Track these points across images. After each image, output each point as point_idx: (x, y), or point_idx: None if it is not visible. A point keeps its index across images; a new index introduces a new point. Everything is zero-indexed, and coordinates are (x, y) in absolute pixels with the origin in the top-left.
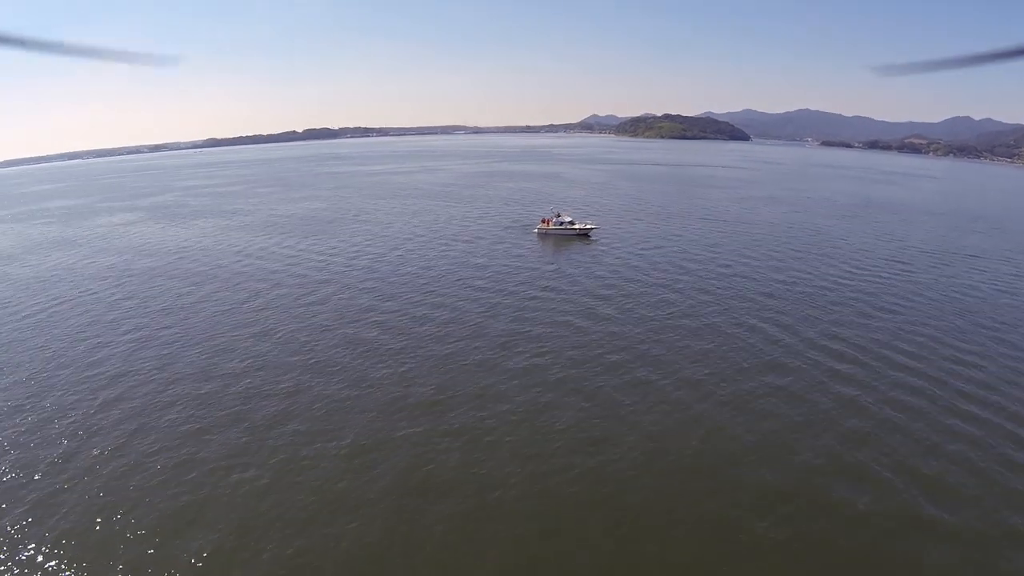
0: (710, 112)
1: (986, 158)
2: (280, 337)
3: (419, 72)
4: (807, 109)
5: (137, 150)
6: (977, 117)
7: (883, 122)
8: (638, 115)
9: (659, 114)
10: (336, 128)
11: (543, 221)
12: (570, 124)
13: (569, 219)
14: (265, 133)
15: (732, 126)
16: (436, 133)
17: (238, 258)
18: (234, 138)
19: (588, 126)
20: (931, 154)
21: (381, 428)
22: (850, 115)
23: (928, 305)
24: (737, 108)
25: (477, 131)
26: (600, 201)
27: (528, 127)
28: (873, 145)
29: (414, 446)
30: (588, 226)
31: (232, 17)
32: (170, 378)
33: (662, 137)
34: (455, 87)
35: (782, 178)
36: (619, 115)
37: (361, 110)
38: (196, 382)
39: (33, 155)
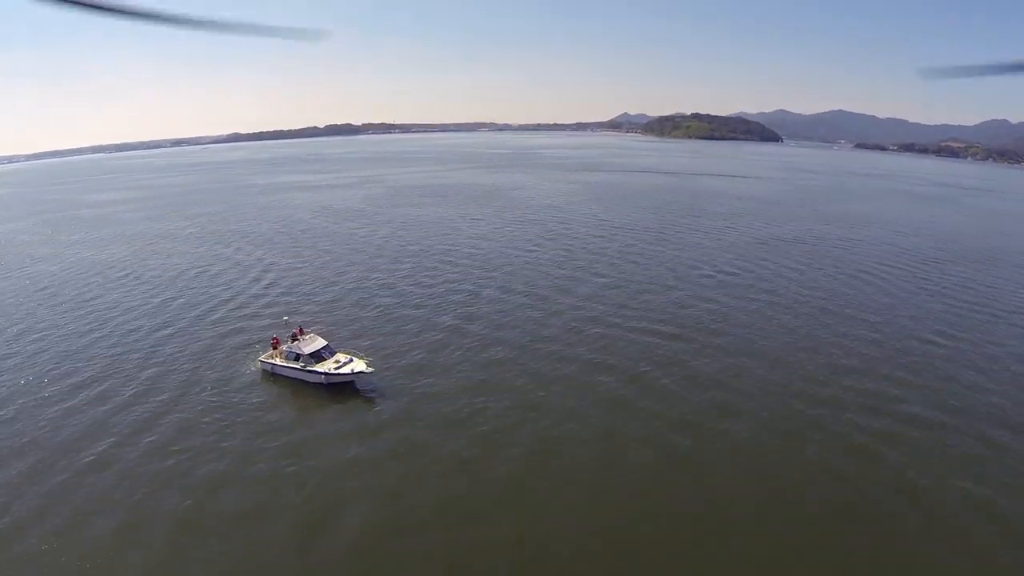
0: (742, 112)
1: None
2: None
3: (450, 69)
4: (840, 110)
5: (158, 145)
6: (1014, 120)
7: (918, 124)
8: (668, 114)
9: (689, 113)
10: (359, 124)
11: (274, 343)
12: (599, 122)
13: (316, 348)
14: (286, 128)
15: (763, 127)
16: (460, 131)
17: None
18: (256, 133)
19: (617, 125)
20: (969, 158)
21: None
22: (884, 117)
23: None
24: (770, 108)
25: (501, 128)
26: (505, 250)
27: (556, 124)
28: (909, 148)
29: None
30: (347, 371)
31: (260, 11)
32: None
33: (689, 137)
34: (486, 84)
35: (815, 195)
36: (650, 114)
37: (389, 106)
38: None
39: (67, 147)
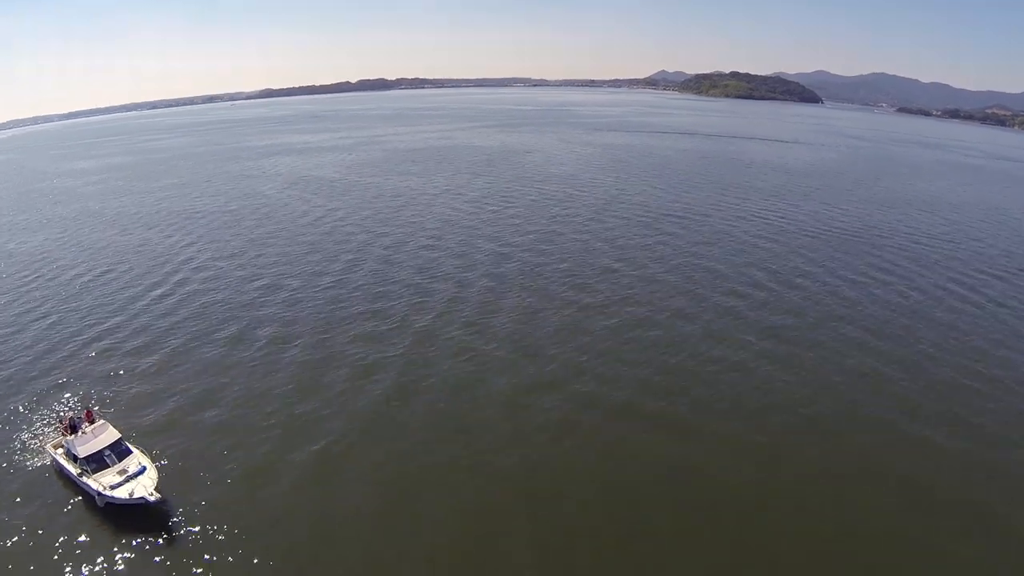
0: (782, 72)
1: None
2: None
3: (488, 24)
4: (882, 73)
5: (191, 102)
6: None
7: (962, 90)
8: (706, 72)
9: (727, 72)
10: (392, 79)
11: (63, 427)
12: (635, 79)
13: (97, 448)
14: (319, 84)
15: (802, 87)
16: (494, 86)
17: None
18: (287, 89)
19: (653, 82)
20: (1016, 127)
21: None
22: (927, 81)
23: None
24: (810, 69)
25: (536, 84)
26: (487, 250)
27: (592, 81)
28: (953, 114)
29: None
30: (125, 495)
31: None
32: None
33: (727, 96)
34: (522, 40)
35: (866, 167)
36: (688, 72)
37: (424, 61)
38: None
39: (103, 106)
